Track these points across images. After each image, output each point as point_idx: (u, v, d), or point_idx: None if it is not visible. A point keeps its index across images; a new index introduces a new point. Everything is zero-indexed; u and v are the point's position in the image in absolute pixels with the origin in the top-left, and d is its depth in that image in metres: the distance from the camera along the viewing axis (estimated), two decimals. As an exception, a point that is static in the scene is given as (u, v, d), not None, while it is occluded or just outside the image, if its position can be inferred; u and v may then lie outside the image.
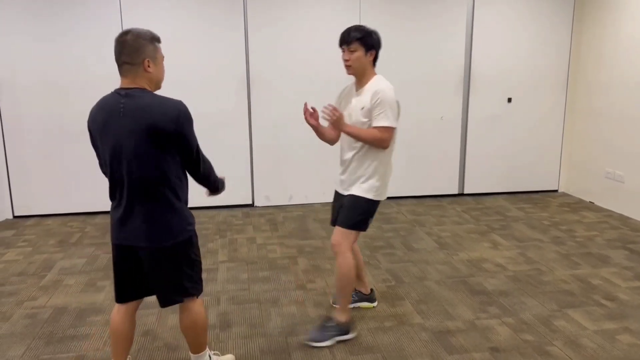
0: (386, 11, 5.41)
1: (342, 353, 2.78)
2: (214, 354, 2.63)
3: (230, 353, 2.79)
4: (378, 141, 2.75)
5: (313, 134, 3.01)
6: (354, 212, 2.83)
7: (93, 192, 5.27)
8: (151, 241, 2.16)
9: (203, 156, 2.28)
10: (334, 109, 2.72)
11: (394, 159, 2.92)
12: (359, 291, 3.24)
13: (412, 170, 5.72)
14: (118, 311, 2.39)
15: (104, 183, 5.15)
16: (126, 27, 4.99)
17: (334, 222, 2.98)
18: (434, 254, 4.19)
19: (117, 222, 2.21)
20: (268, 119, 5.43)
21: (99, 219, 5.14)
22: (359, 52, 2.75)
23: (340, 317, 2.90)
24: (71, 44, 5.01)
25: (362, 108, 2.78)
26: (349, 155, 2.89)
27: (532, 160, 6.01)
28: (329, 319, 2.94)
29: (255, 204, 5.55)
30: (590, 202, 5.69)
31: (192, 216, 2.30)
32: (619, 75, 5.21)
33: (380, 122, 2.73)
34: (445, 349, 2.82)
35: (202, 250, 4.26)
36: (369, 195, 2.83)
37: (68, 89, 5.07)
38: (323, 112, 2.73)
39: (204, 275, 3.69)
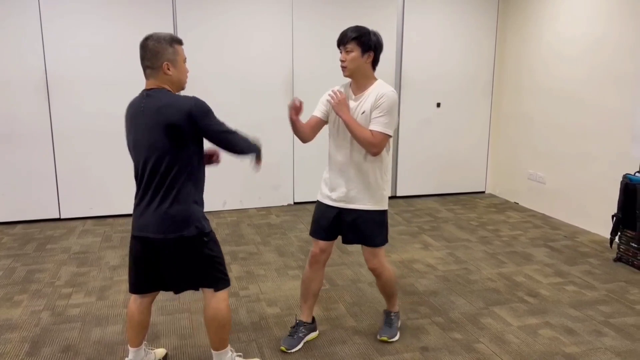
0: (315, 15, 5.45)
1: (275, 359, 2.75)
2: (238, 355, 2.61)
3: (159, 366, 2.69)
4: (368, 144, 2.57)
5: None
6: (377, 229, 2.73)
7: (10, 200, 4.96)
8: (159, 232, 2.24)
9: (233, 135, 2.29)
10: (340, 92, 2.64)
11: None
12: (304, 322, 2.92)
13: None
14: (134, 301, 2.49)
15: (21, 191, 4.95)
16: (46, 34, 4.81)
17: (323, 236, 2.80)
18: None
19: (135, 214, 2.34)
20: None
21: (18, 229, 4.83)
22: (356, 53, 2.58)
23: (395, 308, 3.01)
24: (-16, 42, 4.70)
25: (363, 112, 2.61)
26: (351, 164, 2.68)
27: (460, 163, 6.22)
28: (389, 314, 3.00)
29: (188, 210, 5.40)
30: (515, 202, 5.96)
31: (204, 217, 2.35)
32: (539, 82, 5.49)
33: (376, 126, 2.56)
34: (377, 350, 2.84)
35: (128, 260, 4.11)
36: (381, 207, 2.73)
37: (-19, 90, 4.76)
38: (329, 95, 2.65)
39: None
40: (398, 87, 5.82)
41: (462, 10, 5.89)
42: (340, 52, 2.63)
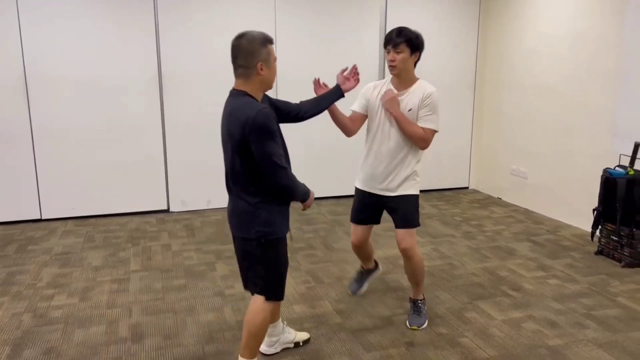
0: (300, 15, 5.43)
1: (260, 357, 2.73)
2: None
3: (143, 366, 2.67)
4: (420, 140, 2.82)
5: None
6: (414, 212, 2.96)
7: (-10, 201, 4.88)
8: (233, 228, 2.40)
9: (274, 167, 2.21)
10: (391, 89, 2.88)
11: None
12: (368, 269, 3.43)
13: (332, 171, 5.77)
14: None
15: (1, 192, 4.83)
16: (25, 33, 4.73)
17: (361, 221, 3.12)
18: (352, 253, 4.21)
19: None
20: (182, 121, 5.27)
21: (-3, 231, 4.75)
22: (405, 54, 2.79)
23: (421, 295, 3.16)
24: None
25: (410, 110, 2.83)
26: (393, 155, 2.90)
27: (444, 159, 6.26)
28: (416, 302, 3.15)
29: (171, 209, 5.36)
30: (498, 197, 6.01)
31: (275, 222, 2.33)
32: (520, 78, 5.54)
33: (428, 124, 2.81)
34: (363, 346, 2.84)
35: (112, 259, 4.10)
36: (417, 191, 2.99)
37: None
38: (382, 96, 2.87)
39: (115, 286, 3.56)
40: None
41: (444, 8, 5.92)
42: (388, 52, 2.83)
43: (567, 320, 3.13)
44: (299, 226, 4.92)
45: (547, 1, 5.14)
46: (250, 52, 2.20)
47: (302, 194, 2.39)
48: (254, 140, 2.15)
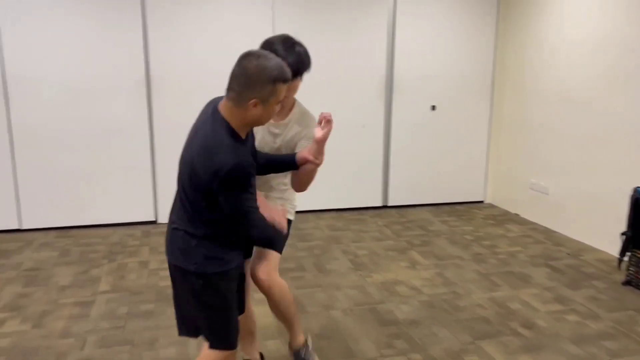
0: (301, 12, 5.03)
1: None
2: None
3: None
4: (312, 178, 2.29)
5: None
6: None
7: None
8: (169, 254, 2.00)
9: (246, 220, 1.86)
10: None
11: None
12: None
13: (333, 181, 5.34)
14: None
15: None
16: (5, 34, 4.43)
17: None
18: (346, 276, 3.82)
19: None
20: (172, 124, 4.91)
21: (-28, 241, 4.47)
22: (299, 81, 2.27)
23: (301, 338, 2.57)
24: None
25: (290, 140, 2.38)
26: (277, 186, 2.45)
27: (457, 170, 5.78)
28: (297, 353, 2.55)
29: (159, 220, 5.01)
30: (515, 214, 5.50)
31: (222, 261, 1.94)
32: (542, 84, 5.04)
33: None
34: (338, 399, 2.43)
35: (82, 278, 3.74)
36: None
37: None
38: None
39: (76, 310, 3.21)
40: (389, 88, 5.39)
41: (459, 6, 5.44)
42: (292, 82, 2.14)
43: (585, 370, 2.66)
44: (293, 243, 4.51)
45: (570, 2, 4.63)
46: (251, 83, 1.76)
47: (268, 238, 2.06)
48: (220, 191, 1.78)
